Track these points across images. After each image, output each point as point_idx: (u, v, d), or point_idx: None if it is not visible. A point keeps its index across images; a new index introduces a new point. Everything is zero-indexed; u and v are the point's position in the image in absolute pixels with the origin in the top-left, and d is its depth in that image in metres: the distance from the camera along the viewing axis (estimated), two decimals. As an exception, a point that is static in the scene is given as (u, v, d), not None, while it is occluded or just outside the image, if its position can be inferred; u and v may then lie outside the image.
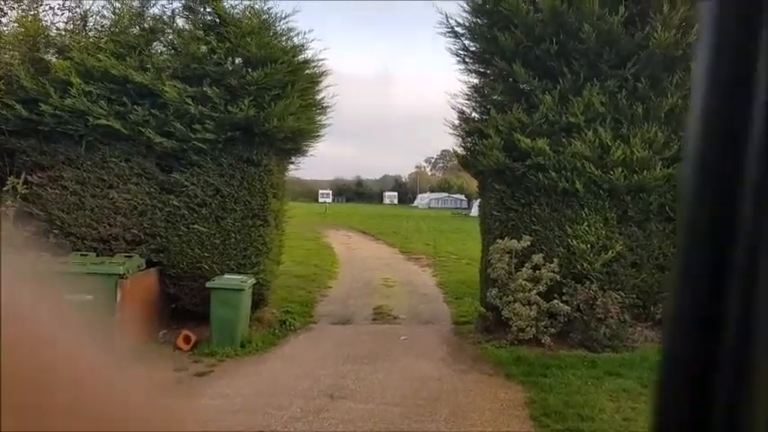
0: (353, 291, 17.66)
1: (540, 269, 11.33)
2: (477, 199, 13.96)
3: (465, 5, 11.87)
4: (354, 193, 79.24)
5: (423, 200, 57.22)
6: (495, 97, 11.69)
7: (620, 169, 10.90)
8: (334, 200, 72.88)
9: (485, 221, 12.41)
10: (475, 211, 37.93)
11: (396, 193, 60.16)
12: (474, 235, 15.59)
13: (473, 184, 18.50)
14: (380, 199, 60.73)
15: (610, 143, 11.11)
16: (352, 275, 20.50)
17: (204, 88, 11.27)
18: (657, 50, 10.62)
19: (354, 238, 35.61)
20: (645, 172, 10.89)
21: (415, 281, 19.77)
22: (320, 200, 71.48)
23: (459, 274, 21.07)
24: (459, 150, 12.77)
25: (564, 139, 11.26)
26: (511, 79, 11.57)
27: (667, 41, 10.44)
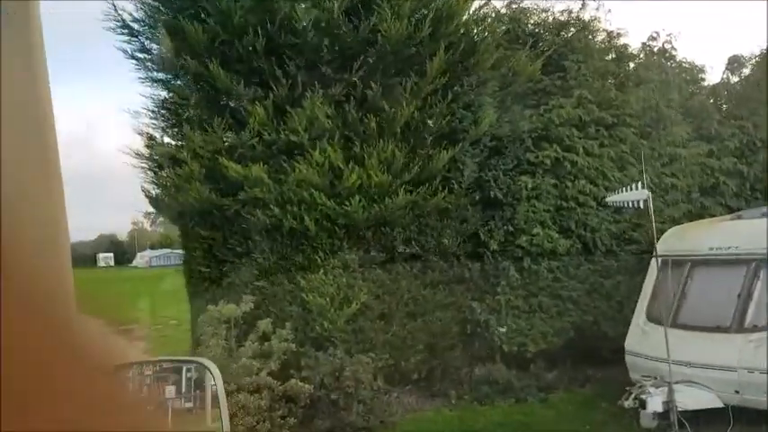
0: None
1: (269, 339, 8.07)
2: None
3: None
4: (63, 258, 68.78)
5: (143, 258, 51.24)
6: (187, 112, 8.30)
7: (356, 198, 8.19)
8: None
9: (191, 282, 8.88)
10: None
11: (112, 254, 53.27)
12: None
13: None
14: (94, 262, 53.21)
15: (342, 166, 8.43)
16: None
17: None
18: (388, 47, 8.10)
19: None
20: (386, 200, 8.26)
21: (115, 364, 15.19)
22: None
23: (177, 345, 16.84)
24: (152, 189, 9.15)
25: (285, 164, 8.58)
26: (209, 87, 8.29)
27: (398, 35, 8.00)
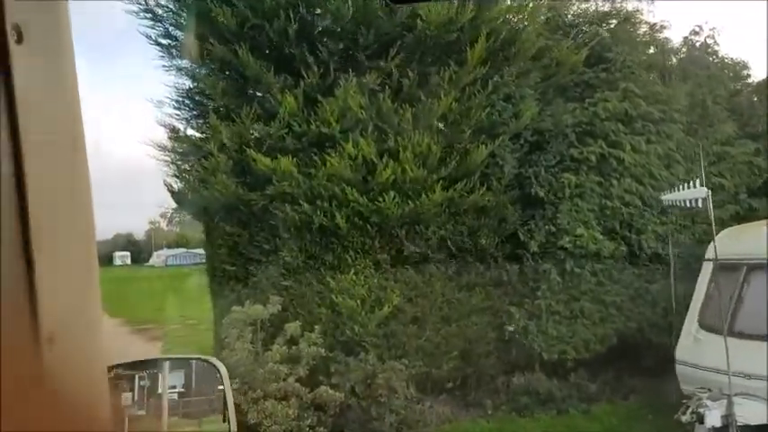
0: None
1: (297, 343, 7.51)
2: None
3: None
4: (79, 257, 69.23)
5: (159, 258, 51.25)
6: (214, 101, 7.78)
7: (391, 194, 7.58)
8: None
9: (214, 281, 8.34)
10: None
11: (128, 253, 53.41)
12: None
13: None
14: (111, 261, 53.48)
15: (375, 159, 7.82)
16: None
17: None
18: (427, 32, 7.53)
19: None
20: (422, 196, 7.66)
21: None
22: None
23: (194, 345, 16.56)
24: (175, 183, 8.66)
25: (316, 157, 7.91)
26: (237, 74, 7.77)
27: (439, 19, 7.42)
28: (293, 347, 8.12)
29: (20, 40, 0.69)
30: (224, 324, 8.17)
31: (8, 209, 0.67)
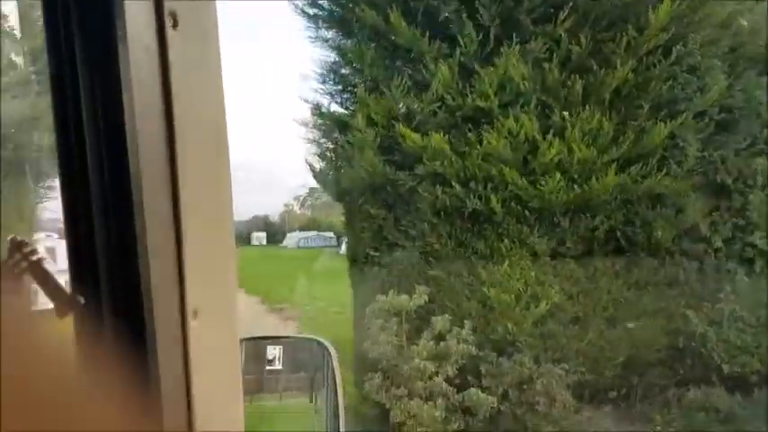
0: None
1: (445, 339, 6.72)
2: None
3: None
4: (220, 236, 73.83)
5: (292, 239, 53.23)
6: (361, 73, 7.15)
7: (556, 176, 6.58)
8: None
9: (355, 266, 7.74)
10: (345, 249, 33.78)
11: (264, 234, 56.04)
12: (344, 273, 11.31)
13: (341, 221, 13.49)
14: (248, 241, 56.63)
15: (538, 137, 6.83)
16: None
17: None
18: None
19: (208, 287, 30.25)
20: (593, 179, 6.61)
21: (269, 345, 14.93)
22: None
23: (326, 328, 16.37)
24: (315, 162, 8.14)
25: (471, 134, 6.96)
26: (387, 42, 7.06)
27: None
28: (441, 343, 7.40)
29: (175, 25, 0.72)
30: (367, 313, 7.55)
31: (163, 192, 0.71)
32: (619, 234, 8.03)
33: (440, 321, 7.36)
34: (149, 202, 0.68)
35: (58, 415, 0.35)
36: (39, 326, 0.38)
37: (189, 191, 0.72)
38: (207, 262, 0.77)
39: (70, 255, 0.75)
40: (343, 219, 9.52)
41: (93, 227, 0.71)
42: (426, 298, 7.44)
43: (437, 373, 7.18)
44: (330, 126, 8.42)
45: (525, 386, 7.33)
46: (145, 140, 0.69)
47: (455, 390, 7.19)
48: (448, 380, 7.20)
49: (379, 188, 7.81)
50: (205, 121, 0.78)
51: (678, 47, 7.88)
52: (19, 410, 0.33)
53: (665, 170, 7.84)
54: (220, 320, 0.81)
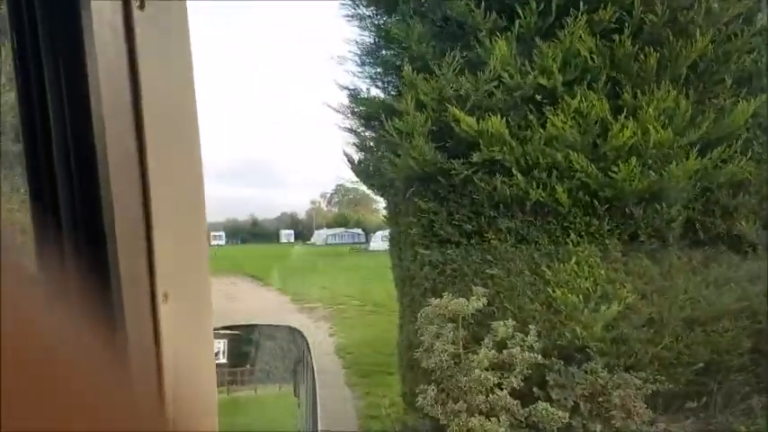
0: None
1: (507, 346, 5.92)
2: (376, 231, 8.36)
3: None
4: (249, 233, 74.10)
5: (320, 236, 53.71)
6: (408, 50, 6.36)
7: (633, 161, 5.74)
8: (227, 242, 67.75)
9: (401, 265, 7.00)
10: (375, 245, 33.26)
11: (292, 231, 57.00)
12: (375, 271, 10.73)
13: (370, 218, 12.84)
14: (277, 238, 57.99)
15: (609, 118, 5.96)
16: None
17: None
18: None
19: (240, 285, 29.87)
20: (672, 165, 5.77)
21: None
22: (211, 242, 64.86)
23: (363, 330, 16.10)
24: (353, 153, 7.40)
25: (532, 116, 6.14)
26: (435, 17, 6.28)
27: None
28: (503, 351, 6.59)
29: (142, 6, 0.70)
30: (419, 318, 6.77)
31: (132, 181, 0.69)
32: (697, 225, 7.17)
33: (502, 327, 6.56)
34: (117, 186, 0.67)
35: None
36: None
37: (157, 175, 0.70)
38: (178, 247, 0.76)
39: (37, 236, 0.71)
40: (378, 214, 8.77)
41: (59, 216, 0.68)
42: (485, 300, 6.66)
43: (500, 386, 6.40)
44: (371, 113, 7.65)
45: (599, 398, 6.52)
46: (112, 125, 0.66)
47: (519, 403, 6.42)
48: (512, 392, 6.44)
49: (430, 178, 7.00)
50: (175, 105, 0.77)
51: (761, 14, 7.02)
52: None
53: (749, 154, 6.99)
54: (192, 305, 0.81)
